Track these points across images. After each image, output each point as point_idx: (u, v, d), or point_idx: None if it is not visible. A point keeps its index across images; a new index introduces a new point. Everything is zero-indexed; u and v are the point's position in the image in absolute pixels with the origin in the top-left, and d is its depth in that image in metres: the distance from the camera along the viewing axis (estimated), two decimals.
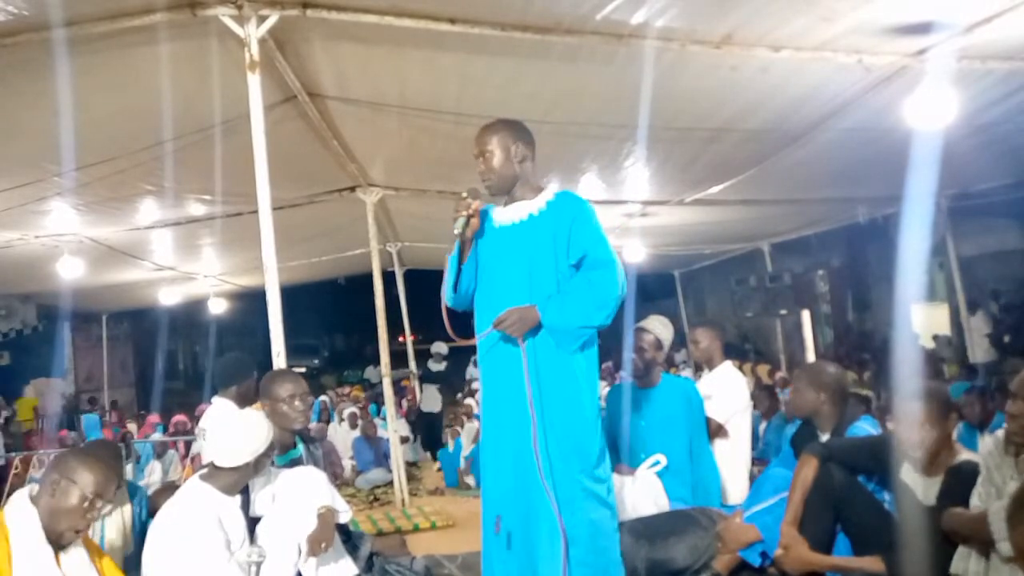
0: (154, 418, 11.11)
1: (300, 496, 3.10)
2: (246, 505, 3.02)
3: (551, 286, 2.93)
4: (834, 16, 3.76)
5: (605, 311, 2.82)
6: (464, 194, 2.97)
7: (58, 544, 2.60)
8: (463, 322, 3.13)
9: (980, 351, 9.69)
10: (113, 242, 8.05)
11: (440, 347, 11.29)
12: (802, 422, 3.61)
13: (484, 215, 3.06)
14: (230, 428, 2.94)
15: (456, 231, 2.96)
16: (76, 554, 2.66)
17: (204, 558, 2.76)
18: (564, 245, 2.89)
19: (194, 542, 2.78)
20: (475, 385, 14.32)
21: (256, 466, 2.96)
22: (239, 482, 2.96)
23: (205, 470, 3.00)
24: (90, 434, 8.55)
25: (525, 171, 3.01)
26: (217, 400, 4.09)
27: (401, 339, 11.52)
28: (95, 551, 2.83)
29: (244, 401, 3.96)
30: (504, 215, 3.05)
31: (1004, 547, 2.47)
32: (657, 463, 3.80)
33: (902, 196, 5.84)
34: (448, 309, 3.09)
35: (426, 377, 11.46)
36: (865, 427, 3.39)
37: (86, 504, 2.59)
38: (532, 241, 2.95)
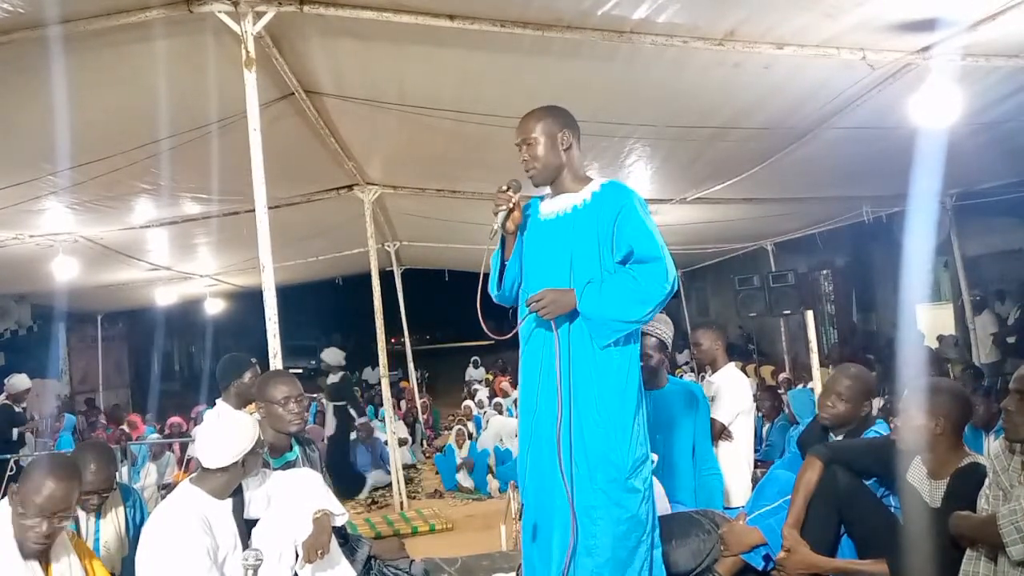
0: (135, 417, 10.90)
1: (296, 498, 3.06)
2: (239, 508, 2.98)
3: None
4: (838, 13, 3.74)
5: (646, 307, 2.64)
6: (504, 186, 2.83)
7: (33, 555, 2.53)
8: (500, 319, 2.98)
9: (986, 351, 9.63)
10: (108, 241, 8.01)
11: (332, 355, 9.28)
12: (809, 423, 3.56)
13: (530, 207, 2.93)
14: (215, 429, 2.91)
15: (495, 226, 2.82)
16: (66, 561, 2.62)
17: (187, 562, 2.71)
18: (608, 240, 2.73)
19: (177, 546, 2.74)
20: (475, 387, 14.27)
21: (245, 467, 2.91)
22: (229, 484, 2.92)
23: (196, 473, 2.97)
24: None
25: (571, 160, 2.86)
26: (219, 402, 4.05)
27: (393, 340, 10.86)
28: (86, 555, 2.79)
29: (240, 401, 3.92)
30: (549, 207, 2.91)
31: (1013, 551, 2.43)
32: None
33: (907, 195, 5.83)
34: (483, 308, 2.89)
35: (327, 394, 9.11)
36: (880, 431, 3.33)
37: (42, 519, 2.48)
38: (575, 235, 2.80)
